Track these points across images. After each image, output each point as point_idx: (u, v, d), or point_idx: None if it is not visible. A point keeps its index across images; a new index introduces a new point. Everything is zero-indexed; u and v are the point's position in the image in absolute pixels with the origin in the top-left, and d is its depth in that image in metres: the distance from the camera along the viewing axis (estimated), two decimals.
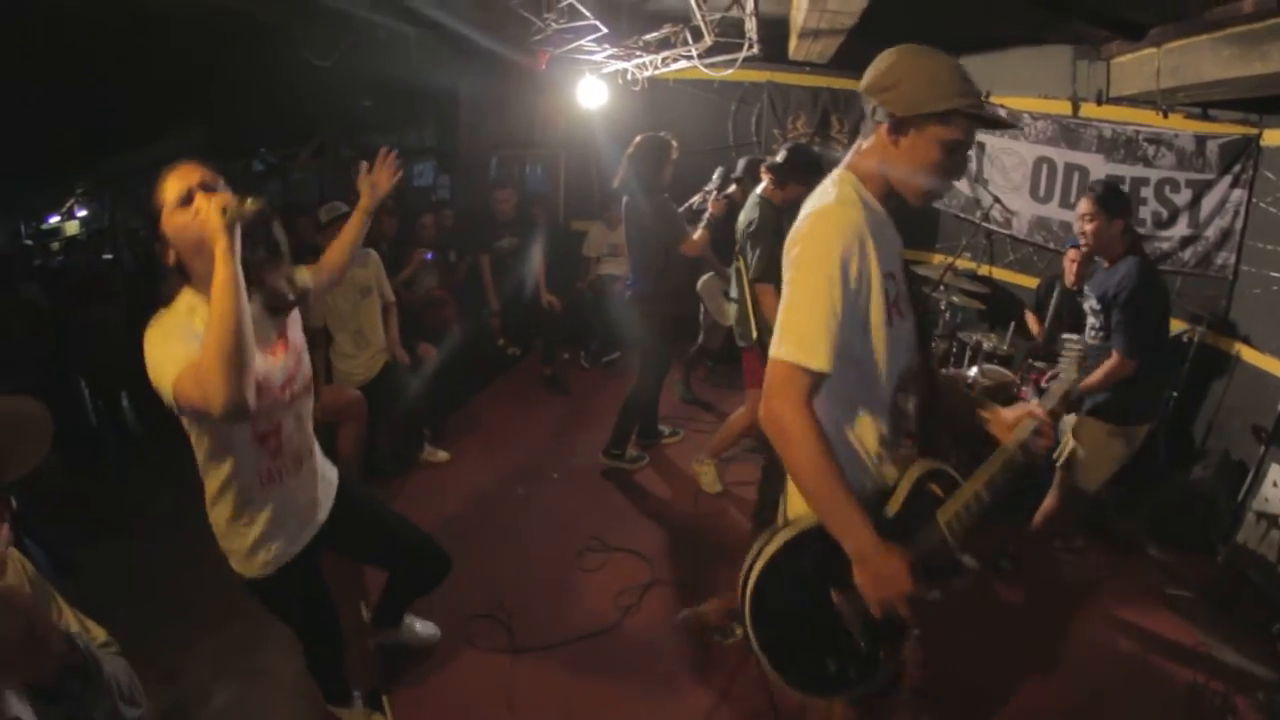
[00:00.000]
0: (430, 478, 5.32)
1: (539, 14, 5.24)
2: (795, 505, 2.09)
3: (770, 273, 4.53)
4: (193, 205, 2.11)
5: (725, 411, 5.39)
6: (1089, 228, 3.80)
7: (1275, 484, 4.52)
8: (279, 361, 2.40)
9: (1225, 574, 4.50)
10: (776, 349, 1.85)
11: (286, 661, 3.41)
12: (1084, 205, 3.82)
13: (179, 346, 2.06)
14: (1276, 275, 5.01)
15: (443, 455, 5.50)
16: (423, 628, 3.69)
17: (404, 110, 7.44)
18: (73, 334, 5.68)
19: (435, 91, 6.93)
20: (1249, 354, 4.99)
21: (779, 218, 4.62)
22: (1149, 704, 3.54)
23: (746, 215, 4.75)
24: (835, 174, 2.07)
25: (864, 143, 2.08)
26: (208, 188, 2.13)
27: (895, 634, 2.03)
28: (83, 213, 10.97)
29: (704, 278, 6.11)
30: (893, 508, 2.01)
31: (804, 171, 4.60)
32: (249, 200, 2.04)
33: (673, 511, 5.06)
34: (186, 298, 2.23)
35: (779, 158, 4.75)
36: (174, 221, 2.14)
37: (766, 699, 3.38)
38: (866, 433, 2.04)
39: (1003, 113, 6.69)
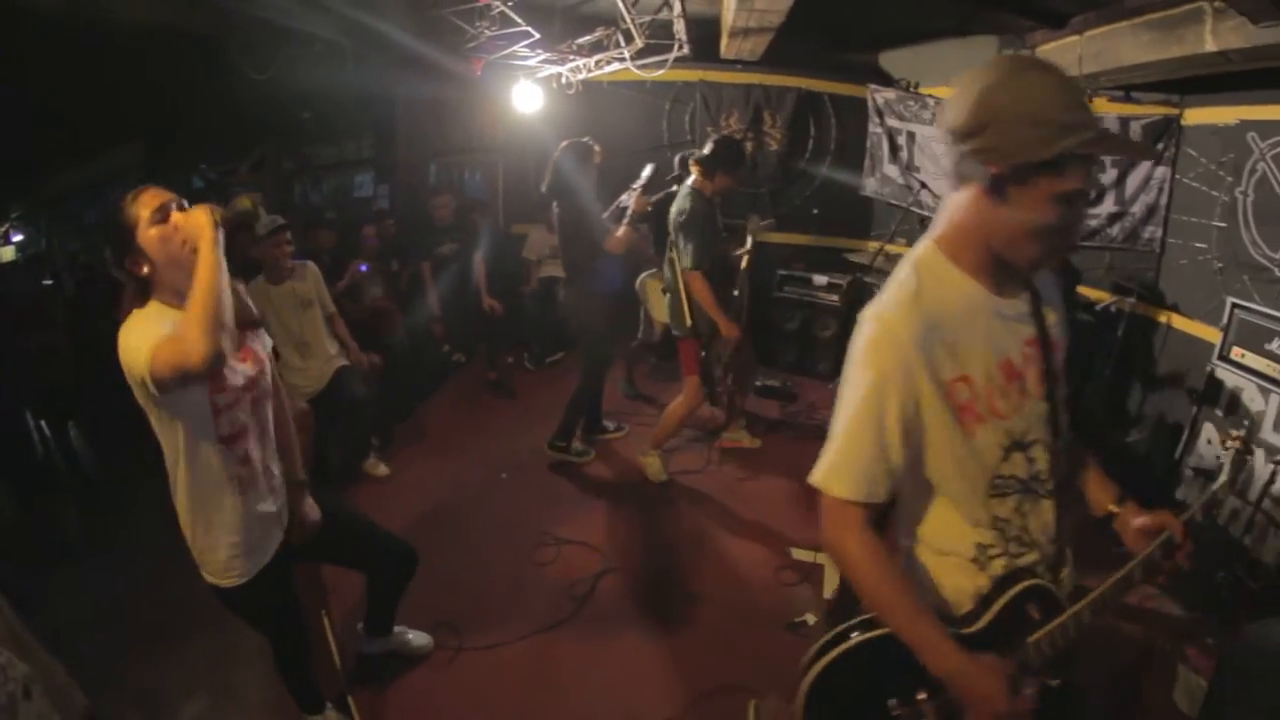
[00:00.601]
0: (379, 486, 5.34)
1: (472, 22, 5.30)
2: None
3: (702, 261, 4.77)
4: (170, 220, 2.27)
5: (667, 404, 5.49)
6: None
7: (1209, 441, 4.74)
8: (240, 366, 2.48)
9: None
10: (823, 481, 1.69)
11: (256, 676, 3.46)
12: None
13: (155, 330, 2.18)
14: (1201, 246, 5.22)
15: (383, 469, 5.48)
16: (415, 638, 3.75)
17: (343, 121, 7.43)
18: (15, 362, 5.61)
19: (373, 101, 6.92)
20: (1179, 321, 5.20)
21: (709, 207, 4.88)
22: (1102, 661, 3.68)
23: (678, 206, 4.95)
24: (917, 250, 1.74)
25: (955, 200, 1.68)
26: (180, 206, 2.30)
27: None
28: (18, 237, 10.77)
29: (642, 275, 6.23)
30: (980, 624, 1.73)
31: (730, 163, 4.93)
32: (244, 199, 2.32)
33: (622, 503, 5.18)
34: (155, 305, 2.34)
35: (707, 150, 4.97)
36: (150, 235, 2.26)
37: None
38: (959, 546, 1.77)
39: (932, 103, 6.93)
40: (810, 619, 4.01)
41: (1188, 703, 3.52)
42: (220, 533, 2.51)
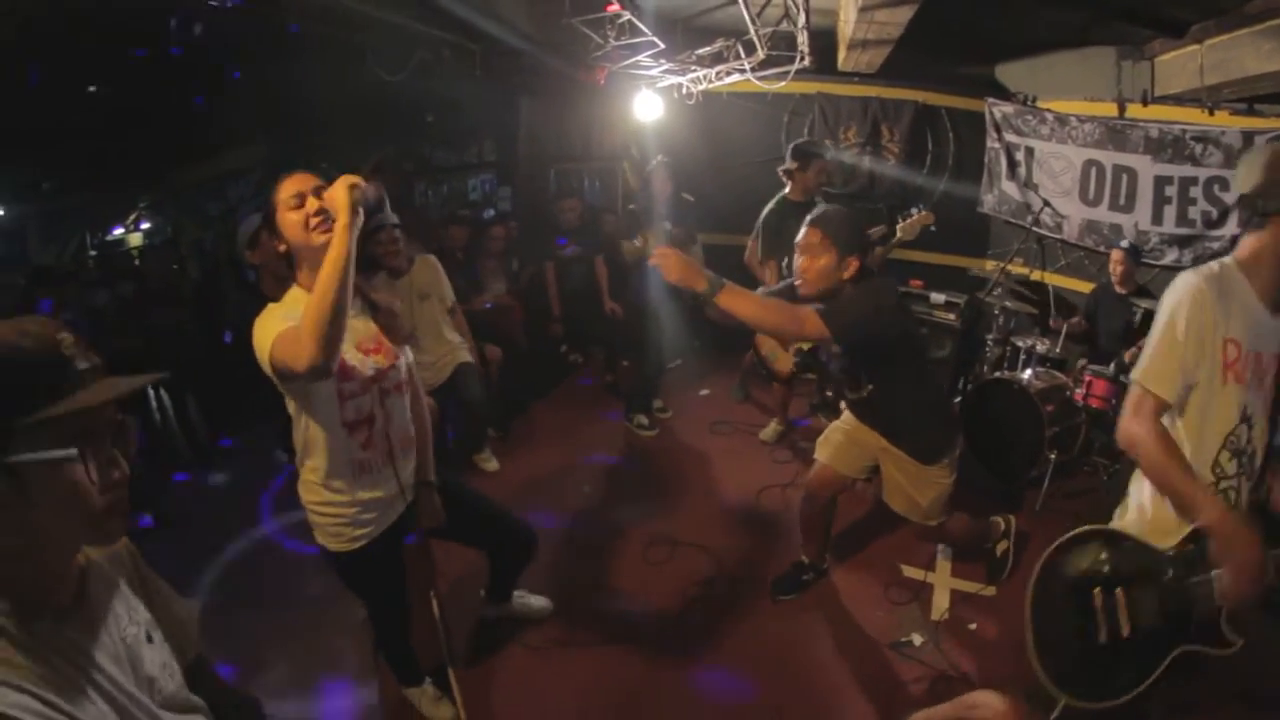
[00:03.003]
0: (489, 479, 5.47)
1: (598, 31, 5.42)
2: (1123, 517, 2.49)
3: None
4: (305, 204, 2.41)
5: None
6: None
7: None
8: (371, 359, 2.63)
9: None
10: (1136, 372, 2.30)
11: (356, 645, 3.64)
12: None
13: (281, 323, 2.33)
14: None
15: (494, 464, 5.63)
16: (535, 600, 3.94)
17: (465, 125, 7.62)
18: (146, 336, 5.90)
19: (496, 107, 7.11)
20: None
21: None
22: None
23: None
24: (1222, 260, 2.30)
25: (1255, 236, 2.25)
26: (319, 191, 2.41)
27: (1149, 655, 2.25)
28: (146, 225, 11.27)
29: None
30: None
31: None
32: (371, 184, 2.35)
33: (736, 509, 5.21)
34: (294, 292, 2.52)
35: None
36: (288, 219, 2.43)
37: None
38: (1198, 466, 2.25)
39: (1050, 117, 6.81)
40: (916, 639, 3.95)
41: None
42: (334, 504, 2.68)
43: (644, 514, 5.01)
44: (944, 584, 4.47)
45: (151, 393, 5.54)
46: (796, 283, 3.32)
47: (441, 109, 7.11)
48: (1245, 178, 2.20)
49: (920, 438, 3.61)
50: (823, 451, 3.98)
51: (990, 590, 4.39)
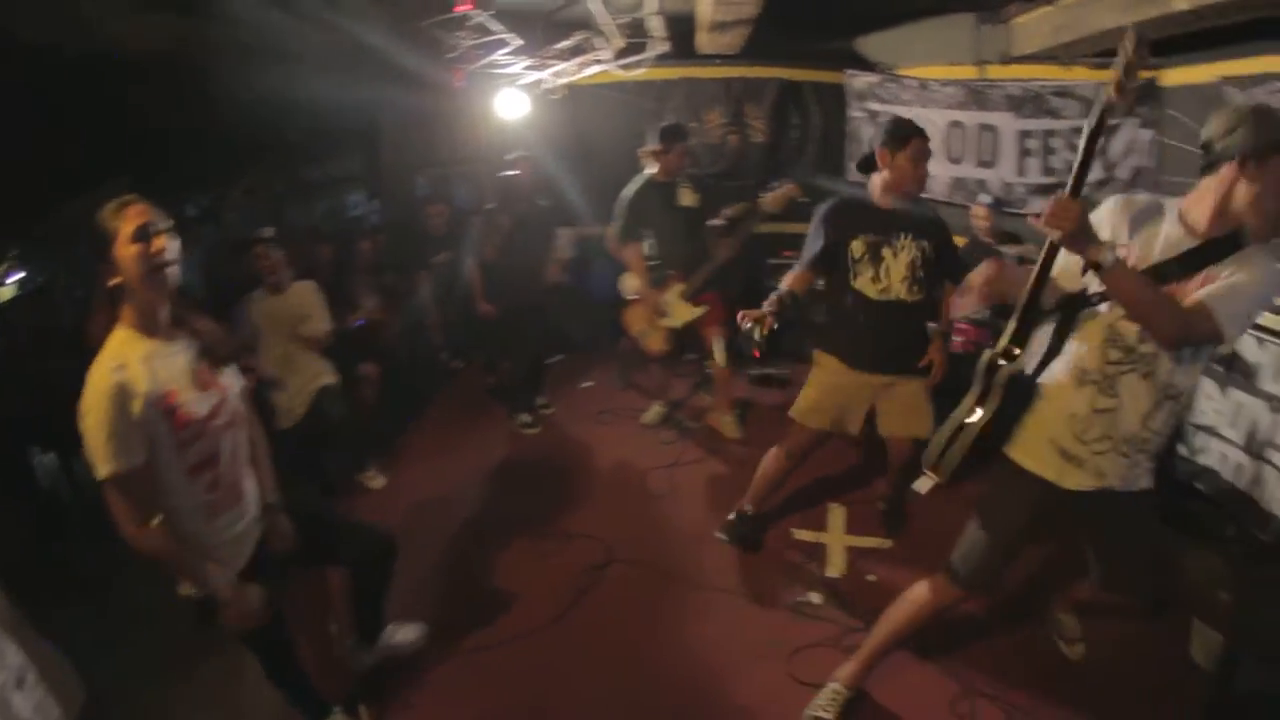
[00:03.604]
0: (377, 496, 5.33)
1: (451, 32, 5.34)
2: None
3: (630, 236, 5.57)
4: (151, 242, 2.30)
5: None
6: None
7: (1208, 397, 4.80)
8: (206, 394, 2.52)
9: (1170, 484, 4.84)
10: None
11: (265, 698, 3.35)
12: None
13: (107, 437, 2.26)
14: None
15: (379, 481, 5.45)
16: (405, 632, 3.70)
17: (329, 140, 7.46)
18: (18, 393, 5.64)
19: (358, 118, 6.95)
20: None
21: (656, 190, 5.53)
22: (1116, 626, 3.78)
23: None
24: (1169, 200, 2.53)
25: (1205, 182, 2.37)
26: (161, 230, 2.32)
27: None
28: (17, 276, 10.81)
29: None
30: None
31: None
32: None
33: (622, 494, 5.26)
34: (120, 334, 2.39)
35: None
36: (128, 251, 2.30)
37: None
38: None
39: (912, 83, 7.01)
40: (814, 598, 4.08)
41: (1204, 655, 3.58)
42: (193, 550, 2.54)
43: (533, 512, 4.96)
44: (838, 542, 4.60)
45: (36, 456, 5.34)
46: None
47: (304, 125, 6.95)
48: (1208, 128, 2.34)
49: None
50: (814, 419, 4.10)
51: (887, 544, 4.57)
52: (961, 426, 2.68)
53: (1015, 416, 2.64)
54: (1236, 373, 4.60)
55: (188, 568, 2.51)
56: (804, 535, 4.67)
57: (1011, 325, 2.55)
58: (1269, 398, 4.36)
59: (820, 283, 4.21)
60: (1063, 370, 2.56)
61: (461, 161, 7.91)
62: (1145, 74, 5.51)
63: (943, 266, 4.06)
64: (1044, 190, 6.28)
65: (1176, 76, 5.43)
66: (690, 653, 3.71)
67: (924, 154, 3.87)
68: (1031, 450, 2.66)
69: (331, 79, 5.56)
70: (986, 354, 2.63)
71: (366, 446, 5.54)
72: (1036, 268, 2.42)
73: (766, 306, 3.91)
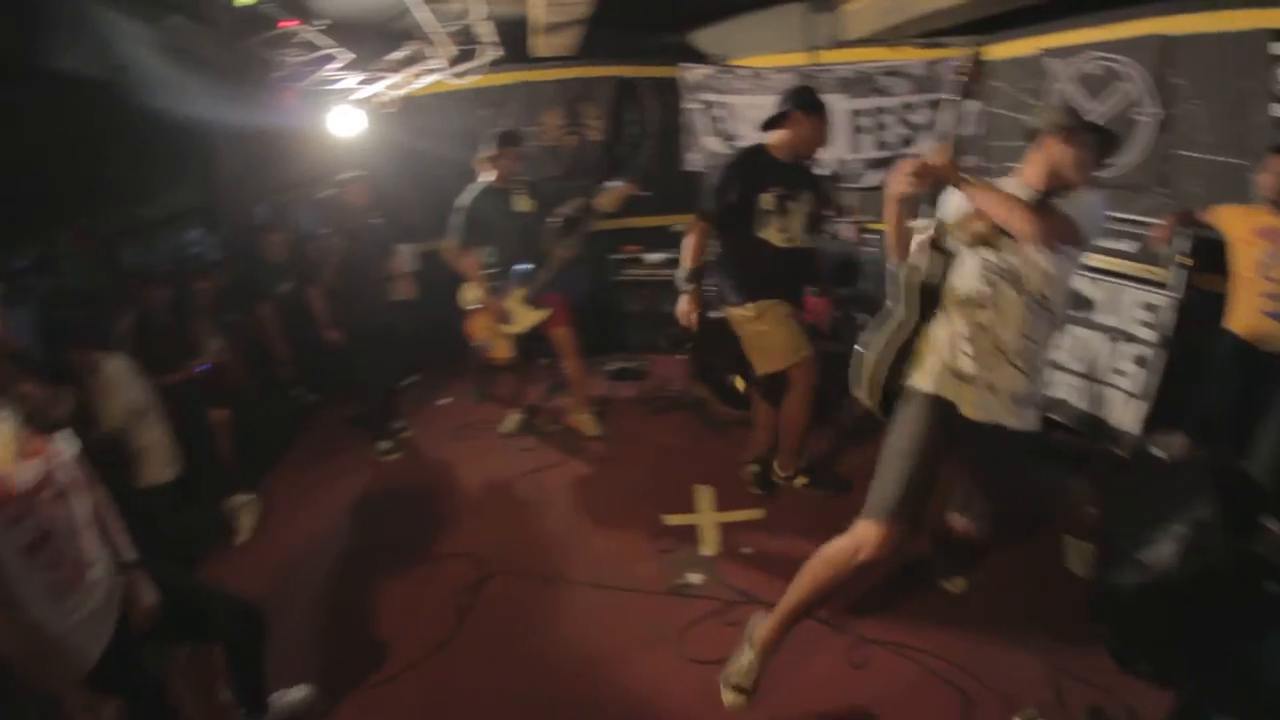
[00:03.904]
0: (244, 548, 5.00)
1: (278, 50, 5.21)
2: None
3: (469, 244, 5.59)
4: None
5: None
6: None
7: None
8: (31, 463, 2.32)
9: None
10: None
11: None
12: None
13: None
14: (1016, 165, 5.59)
15: (246, 531, 5.10)
16: (292, 694, 3.47)
17: (164, 173, 7.05)
18: None
19: (193, 147, 6.61)
20: None
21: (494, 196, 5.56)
22: (993, 554, 3.99)
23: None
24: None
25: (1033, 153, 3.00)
26: None
27: None
28: None
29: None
30: None
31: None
32: None
33: (491, 508, 5.21)
34: None
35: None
36: None
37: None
38: None
39: (745, 73, 7.20)
40: (694, 578, 4.17)
41: (1080, 564, 3.99)
42: (39, 640, 2.32)
43: (404, 539, 4.84)
44: (709, 520, 4.73)
45: None
46: None
47: (133, 159, 6.56)
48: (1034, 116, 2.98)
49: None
50: (795, 351, 4.53)
51: (758, 514, 4.75)
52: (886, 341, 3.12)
53: (926, 317, 3.06)
54: (1073, 310, 5.17)
55: (35, 669, 2.35)
56: (675, 519, 4.76)
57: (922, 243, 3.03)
58: (1106, 330, 4.79)
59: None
60: (949, 294, 2.98)
61: (300, 185, 7.65)
62: (971, 51, 5.97)
63: (824, 217, 4.75)
64: (878, 164, 6.60)
65: (1000, 51, 5.96)
66: (582, 651, 3.72)
67: (828, 122, 4.57)
68: (932, 374, 3.00)
69: (160, 107, 5.30)
70: (903, 268, 3.09)
71: (228, 496, 5.20)
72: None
73: (688, 302, 4.58)
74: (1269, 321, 4.10)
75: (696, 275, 4.64)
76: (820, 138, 4.55)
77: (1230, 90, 4.63)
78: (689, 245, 4.58)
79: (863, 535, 3.01)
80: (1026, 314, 2.88)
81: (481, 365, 6.54)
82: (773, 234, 4.48)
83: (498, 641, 3.85)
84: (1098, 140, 2.91)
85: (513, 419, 6.28)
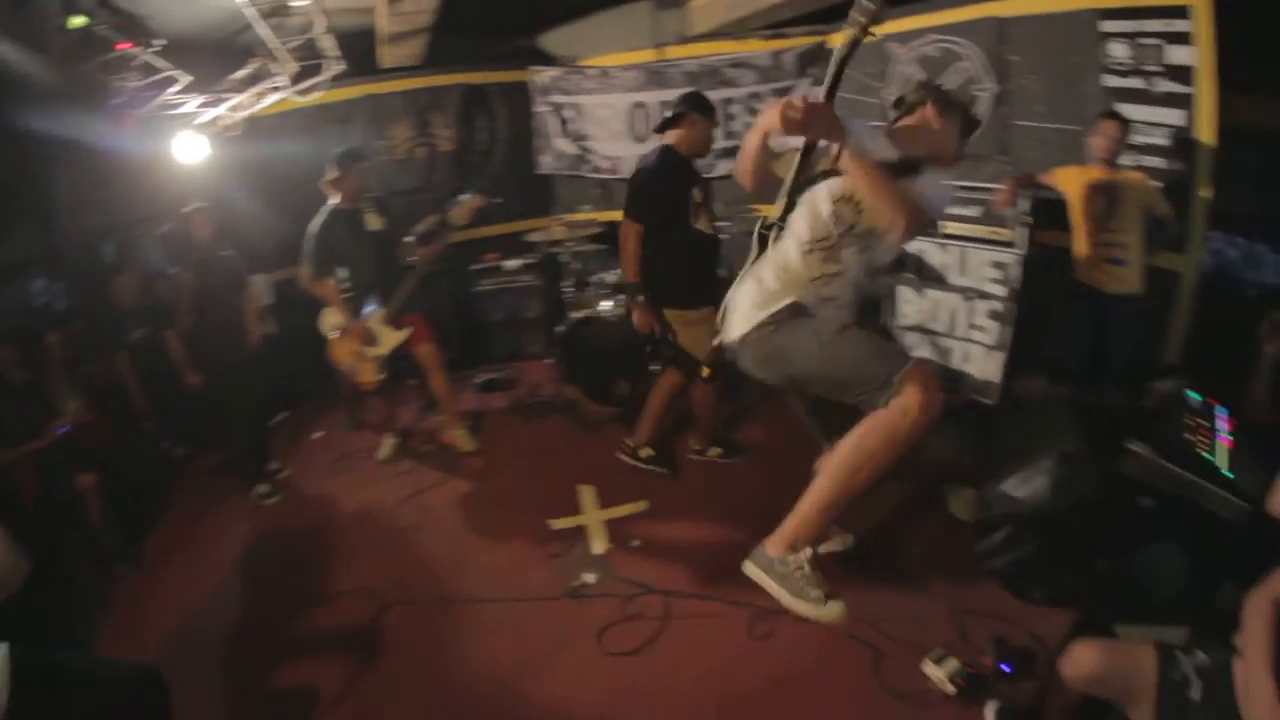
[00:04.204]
0: (130, 616, 4.69)
1: (114, 75, 4.95)
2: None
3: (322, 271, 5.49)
4: None
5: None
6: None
7: (908, 301, 5.74)
8: None
9: None
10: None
11: None
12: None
13: None
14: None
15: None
16: None
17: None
18: None
19: (29, 188, 6.07)
20: None
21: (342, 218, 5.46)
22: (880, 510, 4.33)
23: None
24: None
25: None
26: None
27: None
28: None
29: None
30: None
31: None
32: None
33: (375, 539, 5.07)
34: None
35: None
36: None
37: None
38: None
39: (593, 73, 7.38)
40: (589, 578, 4.21)
41: (963, 510, 4.25)
42: None
43: (296, 584, 4.65)
44: (595, 519, 4.80)
45: None
46: None
47: None
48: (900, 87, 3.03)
49: None
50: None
51: (641, 506, 4.87)
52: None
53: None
54: (928, 277, 5.53)
55: None
56: (562, 523, 4.79)
57: (780, 202, 2.94)
58: (961, 290, 5.21)
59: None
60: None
61: (146, 219, 7.13)
62: (814, 39, 6.21)
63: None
64: (727, 153, 6.77)
65: (842, 37, 6.11)
66: (494, 666, 3.70)
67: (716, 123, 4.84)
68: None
69: None
70: (759, 225, 3.06)
71: (107, 566, 4.99)
72: (798, 158, 2.82)
73: (643, 313, 4.77)
74: (1109, 267, 4.64)
75: (645, 284, 4.77)
76: (711, 137, 4.80)
77: (1063, 64, 5.16)
78: (629, 254, 4.69)
79: (890, 409, 2.73)
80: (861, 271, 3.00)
81: (350, 393, 6.41)
82: (704, 225, 4.75)
83: (410, 670, 3.78)
84: (966, 121, 3.15)
85: (388, 444, 6.14)
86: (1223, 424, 3.40)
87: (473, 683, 3.61)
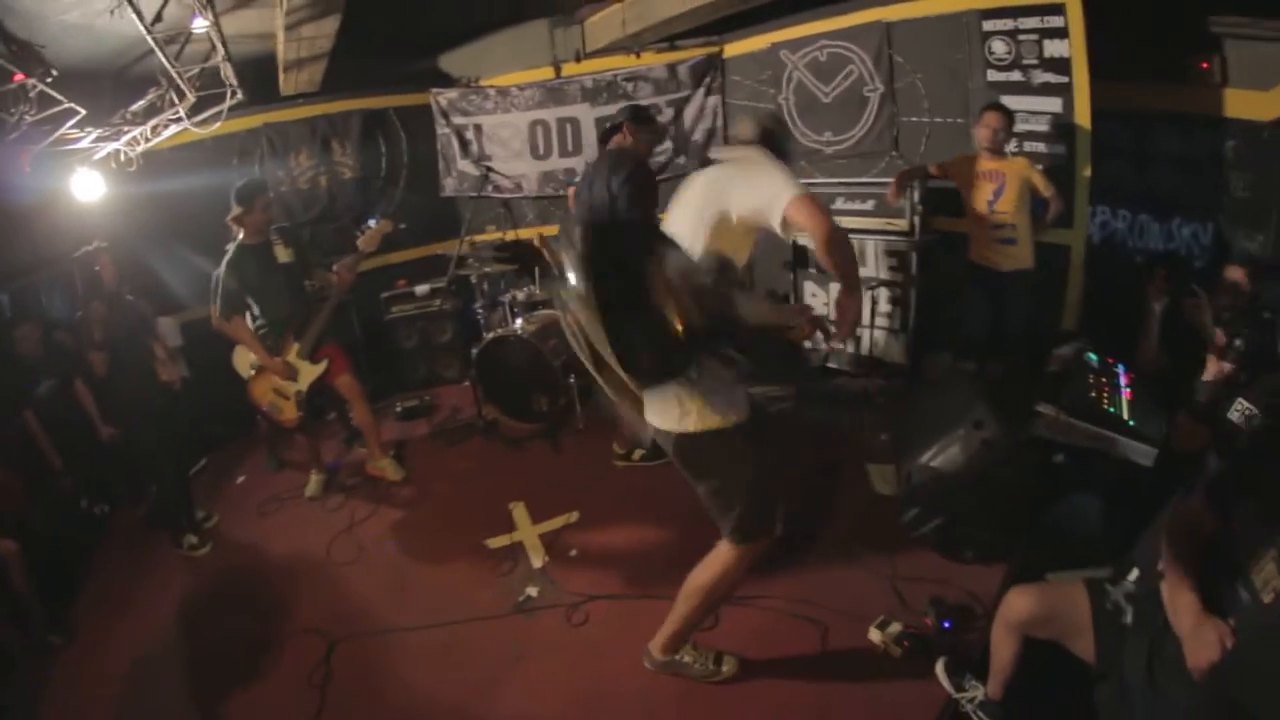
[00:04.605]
0: (66, 688, 4.45)
1: (7, 109, 4.82)
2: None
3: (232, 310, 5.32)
4: None
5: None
6: None
7: (814, 295, 6.15)
8: None
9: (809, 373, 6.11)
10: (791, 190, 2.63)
11: None
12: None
13: None
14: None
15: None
16: None
17: None
18: None
19: None
20: None
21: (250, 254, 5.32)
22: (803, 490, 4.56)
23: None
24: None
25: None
26: None
27: None
28: None
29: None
30: None
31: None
32: None
33: (313, 577, 4.97)
34: None
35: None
36: None
37: None
38: None
39: (492, 93, 7.53)
40: (532, 591, 4.27)
41: (886, 485, 4.49)
42: None
43: (239, 634, 4.49)
44: (529, 534, 4.88)
45: None
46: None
47: None
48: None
49: None
50: None
51: (573, 516, 4.96)
52: None
53: None
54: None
55: None
56: (497, 542, 4.84)
57: None
58: (863, 280, 5.52)
59: None
60: None
61: (44, 263, 6.87)
62: (709, 50, 6.45)
63: None
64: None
65: (736, 48, 6.66)
66: (452, 689, 3.71)
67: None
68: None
69: None
70: None
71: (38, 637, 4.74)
72: None
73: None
74: (1000, 247, 4.94)
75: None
76: (654, 144, 5.10)
77: (947, 62, 5.54)
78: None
79: (735, 553, 3.11)
80: None
81: (271, 433, 6.33)
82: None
83: (368, 704, 3.75)
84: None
85: (315, 481, 6.01)
86: (1123, 379, 3.68)
87: (433, 709, 3.63)
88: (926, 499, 3.81)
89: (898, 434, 4.59)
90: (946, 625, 3.38)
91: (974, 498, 3.67)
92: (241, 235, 5.31)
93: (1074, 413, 3.64)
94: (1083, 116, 4.96)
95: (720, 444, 2.85)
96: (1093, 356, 3.91)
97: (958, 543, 3.77)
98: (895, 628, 3.38)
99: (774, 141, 3.10)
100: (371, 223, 5.57)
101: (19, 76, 4.49)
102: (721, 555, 3.07)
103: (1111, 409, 3.60)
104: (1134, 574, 2.44)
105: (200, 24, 4.63)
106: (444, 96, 7.96)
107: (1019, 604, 2.60)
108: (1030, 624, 2.59)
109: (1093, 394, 3.70)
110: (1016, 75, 5.19)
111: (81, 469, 6.06)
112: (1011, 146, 4.98)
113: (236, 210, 5.23)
